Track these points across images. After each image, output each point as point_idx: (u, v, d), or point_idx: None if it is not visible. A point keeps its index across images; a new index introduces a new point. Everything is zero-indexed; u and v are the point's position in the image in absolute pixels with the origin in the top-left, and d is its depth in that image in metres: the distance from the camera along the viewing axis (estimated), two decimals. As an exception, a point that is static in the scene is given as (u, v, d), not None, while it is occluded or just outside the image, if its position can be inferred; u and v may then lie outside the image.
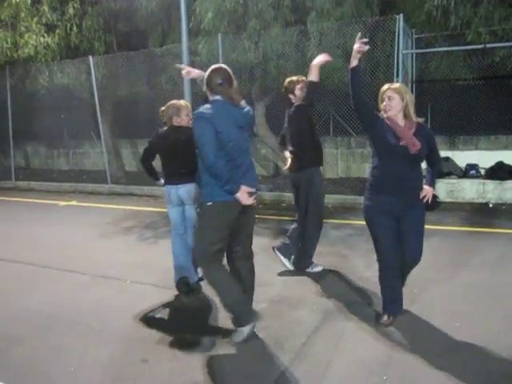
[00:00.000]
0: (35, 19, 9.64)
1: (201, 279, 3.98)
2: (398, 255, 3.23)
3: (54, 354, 3.09)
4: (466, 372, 2.69)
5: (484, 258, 4.71)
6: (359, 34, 3.17)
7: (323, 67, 7.84)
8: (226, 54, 8.34)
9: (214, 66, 3.16)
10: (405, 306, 3.53)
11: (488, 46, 7.07)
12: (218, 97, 3.04)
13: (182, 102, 4.10)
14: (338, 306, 3.65)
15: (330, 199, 7.70)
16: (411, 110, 3.08)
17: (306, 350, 3.00)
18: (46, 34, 9.76)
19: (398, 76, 7.18)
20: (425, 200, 3.21)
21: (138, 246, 5.72)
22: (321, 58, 4.17)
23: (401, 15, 7.10)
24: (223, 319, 3.47)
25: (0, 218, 7.82)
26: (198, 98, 9.26)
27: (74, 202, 8.97)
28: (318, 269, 4.48)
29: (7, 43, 9.33)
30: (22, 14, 9.44)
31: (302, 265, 4.49)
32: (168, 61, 9.37)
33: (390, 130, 3.10)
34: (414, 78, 8.61)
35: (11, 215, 8.01)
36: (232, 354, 2.99)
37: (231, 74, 3.14)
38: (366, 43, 3.11)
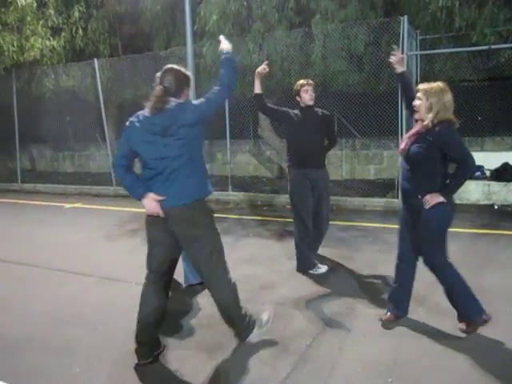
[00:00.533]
0: (41, 22, 9.74)
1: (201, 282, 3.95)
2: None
3: (59, 355, 3.10)
4: (473, 375, 2.68)
5: (490, 260, 4.69)
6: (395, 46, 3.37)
7: (328, 69, 7.91)
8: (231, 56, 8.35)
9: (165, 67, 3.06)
10: (411, 308, 3.52)
11: (493, 47, 7.05)
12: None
13: None
14: (342, 308, 3.65)
15: (335, 201, 7.69)
16: (432, 114, 2.96)
17: (310, 352, 2.99)
18: (51, 37, 9.85)
19: (402, 77, 7.15)
20: (426, 207, 3.11)
21: (142, 248, 5.65)
22: (259, 68, 4.27)
23: (405, 17, 7.09)
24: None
25: (6, 219, 7.87)
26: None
27: (79, 204, 9.01)
28: (322, 270, 4.47)
29: (13, 46, 9.41)
30: (28, 18, 9.53)
31: (301, 267, 4.50)
32: (173, 63, 9.40)
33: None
34: (418, 80, 8.59)
35: (17, 217, 8.06)
36: (237, 356, 2.99)
37: (180, 75, 3.03)
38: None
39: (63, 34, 10.03)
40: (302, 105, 4.43)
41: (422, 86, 3.04)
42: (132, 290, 4.22)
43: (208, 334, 3.32)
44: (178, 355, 3.04)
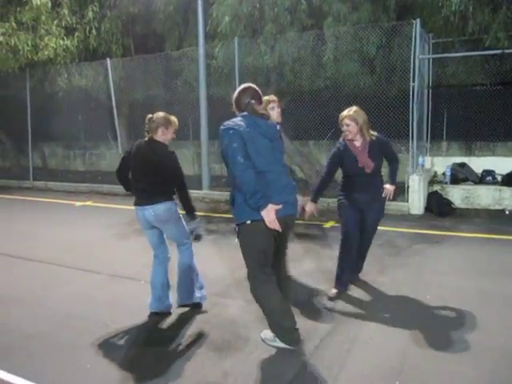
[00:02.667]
0: (55, 22, 9.84)
1: (198, 303, 3.79)
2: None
3: (70, 351, 3.14)
4: (480, 378, 2.68)
5: (500, 266, 4.66)
6: None
7: (339, 71, 7.92)
8: (242, 57, 8.39)
9: (242, 86, 3.12)
10: (418, 312, 3.53)
11: (506, 51, 7.01)
12: (245, 113, 3.00)
13: (172, 117, 3.72)
14: (351, 310, 3.65)
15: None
16: (365, 130, 3.77)
17: (318, 353, 3.00)
18: (65, 37, 9.95)
19: (413, 81, 7.15)
20: (388, 197, 3.96)
21: (152, 246, 5.77)
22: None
23: (418, 20, 7.07)
24: (238, 322, 3.50)
25: (18, 217, 7.96)
26: (214, 101, 9.25)
27: (89, 203, 9.09)
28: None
29: (28, 45, 9.51)
30: (43, 17, 9.63)
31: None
32: (184, 64, 9.47)
33: (350, 153, 3.82)
34: (430, 83, 8.57)
35: (29, 215, 8.15)
36: (244, 356, 3.01)
37: (260, 92, 3.10)
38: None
39: (77, 33, 10.12)
40: None
41: (346, 114, 3.76)
42: (142, 289, 4.26)
43: (216, 333, 3.34)
44: (186, 354, 3.06)
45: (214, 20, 8.25)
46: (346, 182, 3.96)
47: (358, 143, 3.81)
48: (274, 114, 4.20)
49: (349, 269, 3.99)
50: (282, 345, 3.04)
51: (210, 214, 7.60)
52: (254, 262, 3.02)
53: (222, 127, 2.91)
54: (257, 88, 3.12)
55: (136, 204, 3.61)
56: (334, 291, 3.92)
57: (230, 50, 8.45)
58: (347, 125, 3.75)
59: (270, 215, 2.81)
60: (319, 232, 6.22)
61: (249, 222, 2.91)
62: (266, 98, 4.25)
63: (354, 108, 3.81)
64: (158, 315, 3.64)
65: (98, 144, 13.33)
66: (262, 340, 3.16)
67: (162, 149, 3.58)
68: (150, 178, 3.52)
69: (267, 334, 3.15)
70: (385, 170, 3.96)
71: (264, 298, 3.04)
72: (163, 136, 3.62)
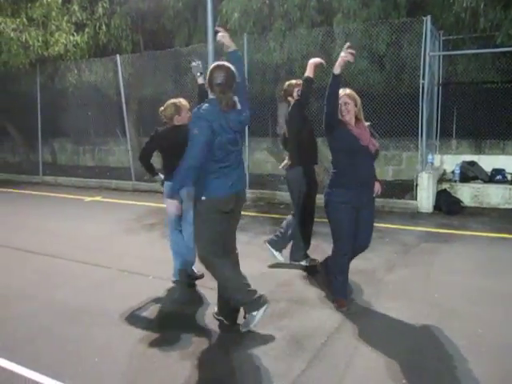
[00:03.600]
0: (65, 18, 9.89)
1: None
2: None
3: (80, 344, 3.18)
4: (488, 378, 2.67)
5: (509, 265, 4.63)
6: (347, 43, 3.42)
7: (348, 69, 7.87)
8: (251, 54, 8.38)
9: (217, 63, 3.12)
10: (426, 311, 3.52)
11: (518, 48, 6.95)
12: (213, 96, 3.07)
13: (181, 100, 4.15)
14: (358, 308, 3.65)
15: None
16: (361, 114, 3.53)
17: (325, 350, 3.01)
18: (75, 33, 9.99)
19: (423, 78, 7.10)
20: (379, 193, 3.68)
21: (160, 242, 5.80)
22: (317, 59, 4.36)
23: (428, 17, 7.02)
24: (243, 319, 3.52)
25: (27, 212, 8.04)
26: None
27: (98, 198, 9.15)
28: (313, 263, 4.60)
29: (38, 41, 9.56)
30: (53, 13, 9.68)
31: (294, 257, 4.67)
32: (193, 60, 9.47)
33: (347, 130, 3.44)
34: (440, 81, 8.51)
35: (38, 209, 8.23)
36: (252, 352, 3.03)
37: (234, 73, 3.05)
38: (352, 54, 3.33)
39: (87, 29, 10.17)
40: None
41: (345, 92, 3.47)
42: (150, 284, 4.30)
43: (224, 329, 3.36)
44: (193, 350, 3.08)
45: (224, 16, 8.25)
46: (340, 170, 3.51)
47: (353, 125, 3.47)
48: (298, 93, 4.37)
49: (345, 276, 3.67)
50: (259, 315, 3.16)
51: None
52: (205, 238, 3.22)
53: (195, 111, 3.04)
54: (232, 69, 3.05)
55: (170, 180, 3.76)
56: (342, 308, 3.61)
57: (239, 47, 8.40)
58: (346, 103, 3.42)
59: (170, 206, 3.22)
60: (326, 229, 6.20)
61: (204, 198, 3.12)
62: (293, 81, 4.52)
63: (349, 89, 3.51)
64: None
65: (107, 140, 13.39)
66: (246, 331, 3.21)
67: (186, 131, 3.69)
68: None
69: (243, 322, 3.25)
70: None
71: (223, 277, 3.26)
72: (181, 121, 4.03)
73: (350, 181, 3.46)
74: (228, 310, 3.37)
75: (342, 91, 3.45)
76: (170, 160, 3.94)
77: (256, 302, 3.18)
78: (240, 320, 3.36)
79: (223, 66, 3.05)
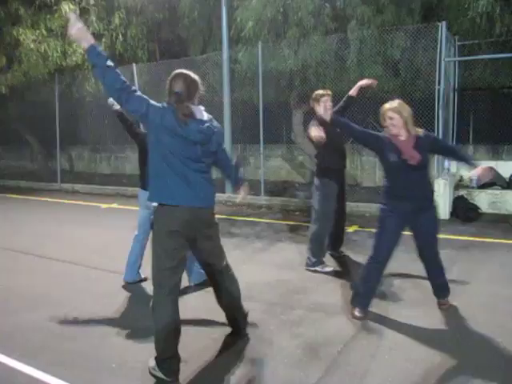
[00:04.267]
0: (83, 29, 10.07)
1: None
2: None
3: (98, 351, 3.21)
4: (508, 388, 2.63)
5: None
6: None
7: (363, 75, 7.86)
8: (266, 61, 8.43)
9: (177, 71, 2.85)
10: (445, 319, 3.48)
11: (535, 53, 6.88)
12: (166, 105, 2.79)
13: None
14: (374, 316, 3.62)
15: (368, 208, 7.63)
16: (410, 124, 3.41)
17: (341, 359, 3.00)
18: (92, 43, 10.16)
19: (439, 84, 7.06)
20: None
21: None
22: (365, 81, 4.73)
23: (443, 22, 6.99)
24: (261, 326, 3.52)
25: (46, 218, 8.17)
26: (237, 105, 9.33)
27: (115, 205, 9.25)
28: (328, 269, 4.69)
29: (57, 52, 9.77)
30: (71, 24, 9.86)
31: (311, 263, 4.74)
32: (208, 68, 9.57)
33: (391, 146, 3.44)
34: (456, 86, 8.44)
35: (57, 216, 8.35)
36: (267, 360, 3.02)
37: (195, 82, 2.84)
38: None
39: (104, 39, 10.36)
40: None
41: (389, 107, 3.43)
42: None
43: (240, 336, 3.36)
44: (207, 357, 3.09)
45: (238, 25, 8.33)
46: (389, 185, 3.57)
47: (402, 138, 3.43)
48: (321, 108, 4.57)
49: (369, 285, 3.65)
50: (158, 374, 2.81)
51: (233, 217, 7.64)
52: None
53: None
54: (193, 78, 2.83)
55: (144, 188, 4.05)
56: (357, 314, 3.60)
57: (253, 55, 8.51)
58: (391, 118, 3.40)
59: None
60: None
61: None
62: (320, 91, 4.70)
63: (398, 101, 3.48)
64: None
65: (124, 147, 13.56)
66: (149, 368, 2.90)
67: None
68: None
69: (151, 361, 2.89)
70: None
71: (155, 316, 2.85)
72: None
73: (394, 192, 3.53)
74: (230, 320, 3.35)
75: (387, 104, 3.45)
76: (144, 167, 3.84)
77: (166, 367, 2.80)
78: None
79: (182, 74, 2.83)
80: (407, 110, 3.41)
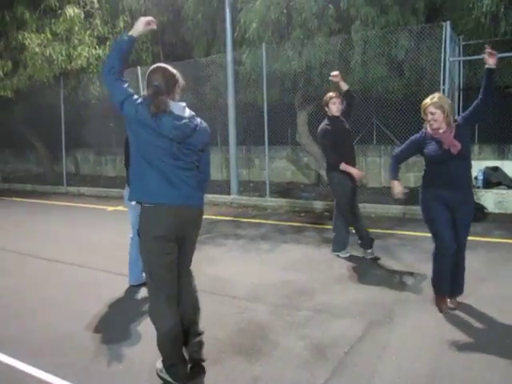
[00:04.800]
0: (88, 32, 10.15)
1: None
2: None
3: (106, 353, 3.23)
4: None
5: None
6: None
7: (367, 75, 7.88)
8: (270, 63, 8.44)
9: (155, 65, 2.79)
10: (452, 319, 3.47)
11: (540, 52, 6.84)
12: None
13: None
14: (381, 317, 3.62)
15: (374, 208, 7.62)
16: (450, 117, 3.46)
17: (348, 360, 2.99)
18: (97, 46, 10.25)
19: (444, 84, 7.04)
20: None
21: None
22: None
23: (448, 22, 6.97)
24: (267, 327, 3.52)
25: (53, 221, 8.22)
26: (242, 106, 9.35)
27: (120, 208, 9.27)
28: (345, 255, 5.21)
29: (62, 55, 9.82)
30: (76, 28, 9.94)
31: (334, 248, 5.29)
32: (212, 70, 9.60)
33: (431, 140, 3.53)
34: (461, 86, 8.41)
35: (63, 219, 8.40)
36: (274, 361, 3.03)
37: (173, 75, 2.74)
38: None
39: (108, 42, 10.40)
40: (328, 114, 5.07)
41: (431, 102, 3.46)
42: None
43: (246, 337, 3.37)
44: (215, 358, 3.09)
45: (242, 27, 8.34)
46: (429, 176, 3.62)
47: (441, 130, 3.48)
48: (334, 108, 4.97)
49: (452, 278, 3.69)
50: (167, 377, 2.79)
51: (239, 219, 7.65)
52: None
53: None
54: (171, 72, 2.74)
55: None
56: (450, 305, 3.69)
57: (257, 56, 8.52)
58: (432, 113, 3.44)
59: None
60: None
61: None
62: (331, 93, 5.05)
63: (438, 94, 3.54)
64: None
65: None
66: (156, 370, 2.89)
67: None
68: None
69: (159, 363, 2.88)
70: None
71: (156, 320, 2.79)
72: None
73: (437, 182, 3.55)
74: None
75: (428, 99, 3.48)
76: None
77: (173, 372, 2.78)
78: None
79: (160, 67, 2.76)
80: (448, 103, 3.47)
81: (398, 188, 3.71)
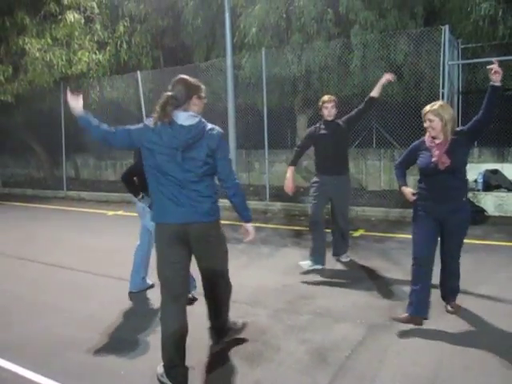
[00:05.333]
0: (88, 37, 10.19)
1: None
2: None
3: (107, 358, 3.23)
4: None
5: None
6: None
7: (367, 79, 7.90)
8: (269, 67, 8.47)
9: (177, 76, 2.91)
10: (452, 323, 3.48)
11: (539, 55, 6.87)
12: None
13: None
14: (382, 320, 3.62)
15: (373, 212, 7.63)
16: (449, 128, 3.34)
17: (349, 364, 2.99)
18: (97, 51, 10.28)
19: (443, 87, 7.07)
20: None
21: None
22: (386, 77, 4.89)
23: (446, 26, 7.00)
24: (268, 332, 3.52)
25: (53, 226, 8.21)
26: (241, 111, 9.37)
27: (121, 212, 9.29)
28: (346, 259, 5.19)
29: (62, 60, 9.85)
30: (76, 33, 9.98)
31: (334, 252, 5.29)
32: (212, 75, 9.62)
33: (425, 150, 3.48)
34: (460, 89, 8.44)
35: (63, 224, 8.40)
36: (276, 366, 3.03)
37: (192, 88, 2.84)
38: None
39: (108, 47, 10.45)
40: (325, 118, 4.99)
41: (430, 109, 3.38)
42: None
43: (247, 342, 3.37)
44: (216, 363, 3.10)
45: (242, 31, 8.38)
46: (420, 185, 3.59)
47: (438, 141, 3.41)
48: (325, 112, 4.91)
49: (418, 288, 3.54)
50: (168, 382, 2.82)
51: (237, 223, 7.64)
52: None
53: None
54: (190, 83, 2.85)
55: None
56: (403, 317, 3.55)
57: (257, 61, 8.55)
58: (430, 120, 3.37)
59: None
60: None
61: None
62: (325, 97, 4.99)
63: (440, 102, 3.46)
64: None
65: (129, 154, 13.58)
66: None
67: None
68: None
69: (160, 368, 2.92)
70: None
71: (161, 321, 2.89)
72: None
73: (427, 194, 3.51)
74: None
75: (428, 107, 3.41)
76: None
77: (173, 375, 2.81)
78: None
79: (181, 78, 2.88)
80: (449, 113, 3.35)
81: (408, 194, 3.63)
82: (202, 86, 2.93)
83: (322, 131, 4.95)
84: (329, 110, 4.88)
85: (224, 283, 3.15)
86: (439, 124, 3.34)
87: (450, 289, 3.73)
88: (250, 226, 3.12)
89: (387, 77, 4.83)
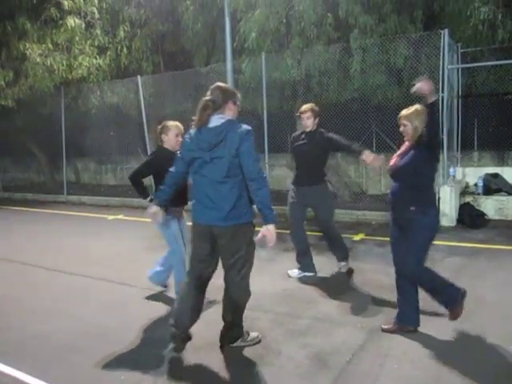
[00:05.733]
0: (88, 42, 10.23)
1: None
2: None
3: (107, 363, 3.22)
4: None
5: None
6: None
7: (366, 83, 7.91)
8: (269, 72, 8.49)
9: (215, 84, 3.14)
10: (453, 327, 3.47)
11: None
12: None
13: (175, 122, 4.16)
14: (382, 325, 3.61)
15: (374, 216, 7.63)
16: (416, 134, 3.32)
17: (350, 369, 2.99)
18: (98, 56, 10.32)
19: (443, 91, 7.08)
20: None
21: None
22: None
23: (446, 30, 7.02)
24: (269, 336, 3.52)
25: (53, 230, 8.21)
26: (241, 115, 9.37)
27: (121, 216, 9.29)
28: (343, 269, 4.99)
29: (63, 65, 9.88)
30: (77, 38, 10.02)
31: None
32: (212, 79, 9.64)
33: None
34: (459, 93, 8.46)
35: (64, 228, 8.40)
36: (277, 370, 3.02)
37: (228, 94, 3.08)
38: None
39: (109, 52, 10.48)
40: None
41: (404, 114, 3.40)
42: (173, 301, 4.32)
43: (247, 346, 3.36)
44: (216, 366, 3.09)
45: (242, 36, 8.40)
46: None
47: (405, 145, 3.45)
48: (302, 123, 4.80)
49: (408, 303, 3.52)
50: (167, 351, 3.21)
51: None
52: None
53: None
54: (225, 90, 3.09)
55: None
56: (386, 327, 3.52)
57: (257, 65, 8.57)
58: (404, 125, 3.39)
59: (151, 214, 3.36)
60: (348, 245, 6.18)
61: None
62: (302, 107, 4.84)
63: (415, 107, 3.38)
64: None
65: (129, 159, 13.62)
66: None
67: (168, 155, 3.85)
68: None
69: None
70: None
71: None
72: (167, 142, 4.11)
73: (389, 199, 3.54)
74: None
75: (404, 111, 3.41)
76: (158, 182, 3.98)
77: (174, 342, 3.20)
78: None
79: (217, 85, 3.10)
80: (420, 119, 3.27)
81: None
82: (238, 93, 3.17)
83: (300, 141, 4.83)
84: (304, 122, 4.72)
85: (242, 288, 3.20)
86: (410, 129, 3.36)
87: (451, 296, 3.54)
88: (272, 227, 3.05)
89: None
